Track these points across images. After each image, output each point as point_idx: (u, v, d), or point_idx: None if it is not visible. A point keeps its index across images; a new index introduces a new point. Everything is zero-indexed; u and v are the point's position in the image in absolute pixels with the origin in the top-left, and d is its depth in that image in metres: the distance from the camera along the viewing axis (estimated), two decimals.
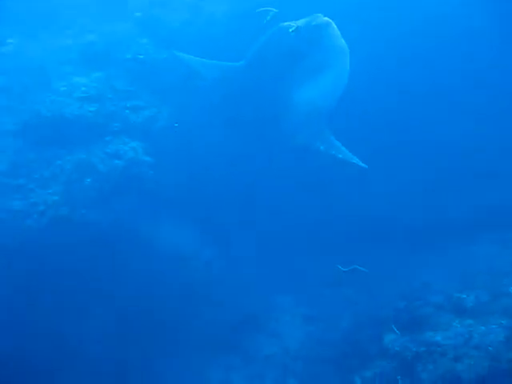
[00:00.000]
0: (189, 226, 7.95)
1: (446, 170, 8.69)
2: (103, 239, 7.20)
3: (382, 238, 8.42)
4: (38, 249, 6.91)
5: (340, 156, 7.32)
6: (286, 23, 7.56)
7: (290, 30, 7.38)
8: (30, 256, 6.87)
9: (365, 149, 7.43)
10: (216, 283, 8.16)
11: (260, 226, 8.16)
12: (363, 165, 7.23)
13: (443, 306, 6.86)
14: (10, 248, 6.84)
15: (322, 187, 8.15)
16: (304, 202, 8.23)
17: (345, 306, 8.30)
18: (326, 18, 7.37)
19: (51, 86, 8.40)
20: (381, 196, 8.36)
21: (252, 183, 7.95)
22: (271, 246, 8.25)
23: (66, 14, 9.84)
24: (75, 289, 7.08)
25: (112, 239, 7.29)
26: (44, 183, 7.36)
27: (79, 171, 7.44)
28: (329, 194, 8.26)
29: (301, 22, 7.49)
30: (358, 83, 7.54)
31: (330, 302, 8.48)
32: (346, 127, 7.59)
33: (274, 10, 7.45)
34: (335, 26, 7.35)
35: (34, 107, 8.06)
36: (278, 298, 8.80)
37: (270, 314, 8.49)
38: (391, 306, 7.35)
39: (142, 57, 8.64)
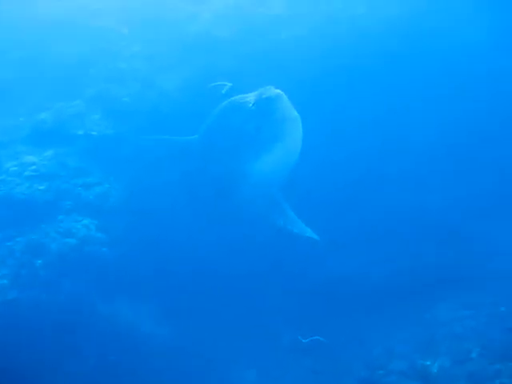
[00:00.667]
0: (144, 304, 7.71)
1: (406, 229, 8.68)
2: (53, 321, 6.94)
3: (343, 302, 8.29)
4: None
5: (295, 230, 7.38)
6: (237, 96, 7.66)
7: (250, 105, 7.44)
8: None
9: (322, 217, 7.50)
10: (174, 362, 7.86)
11: (218, 298, 7.97)
12: (316, 237, 7.35)
13: (407, 374, 6.71)
14: None
15: (279, 255, 8.06)
16: (263, 271, 8.11)
17: (308, 377, 8.05)
18: (278, 90, 7.46)
19: (2, 166, 8.27)
20: (339, 260, 8.30)
21: (208, 257, 7.81)
22: (229, 318, 8.05)
23: (19, 92, 9.85)
24: (24, 373, 6.73)
25: (63, 321, 7.03)
26: None
27: (30, 252, 7.22)
28: (287, 262, 8.16)
29: (252, 95, 7.58)
30: (313, 150, 7.66)
31: (293, 374, 8.22)
32: (303, 197, 7.66)
33: (229, 83, 7.52)
34: (286, 98, 7.44)
35: None
36: (241, 373, 8.50)
37: None
38: (354, 375, 7.16)
39: (94, 133, 8.59)
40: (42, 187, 7.83)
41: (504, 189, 8.74)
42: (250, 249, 7.81)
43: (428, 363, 6.72)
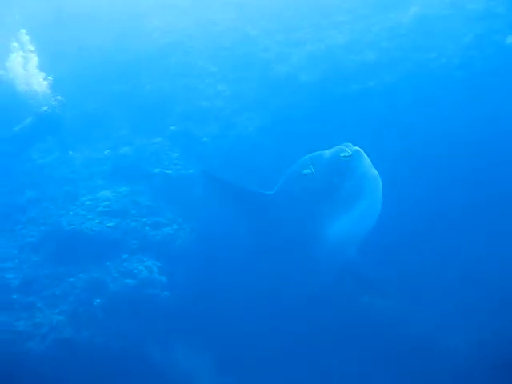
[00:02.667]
0: (202, 352, 7.42)
1: None
2: (106, 366, 6.78)
3: None
4: (36, 373, 6.55)
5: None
6: (315, 153, 7.31)
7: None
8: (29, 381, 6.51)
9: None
10: None
11: (281, 355, 7.53)
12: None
13: None
14: (9, 372, 6.51)
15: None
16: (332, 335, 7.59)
17: None
18: (356, 147, 7.08)
19: (78, 199, 8.39)
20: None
21: (277, 313, 7.41)
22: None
23: (109, 124, 10.07)
24: None
25: (117, 365, 6.85)
26: (53, 302, 7.16)
27: (89, 290, 7.18)
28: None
29: (330, 152, 7.22)
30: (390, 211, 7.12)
31: None
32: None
33: (313, 170, 7.12)
34: (365, 156, 7.04)
35: (56, 220, 8.01)
36: None
37: None
38: None
39: (169, 172, 8.53)
40: (111, 224, 7.81)
41: None
42: (320, 310, 7.34)
43: None
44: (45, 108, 9.35)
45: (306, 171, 6.89)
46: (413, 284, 7.44)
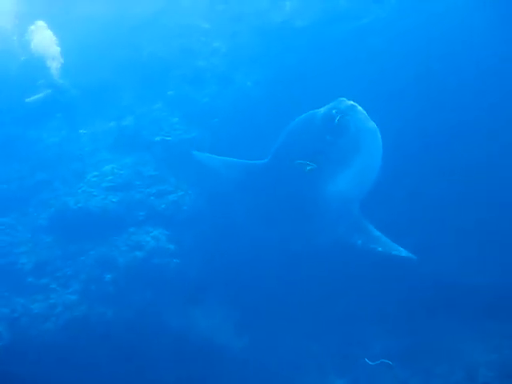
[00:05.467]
0: (217, 316, 7.46)
1: None
2: (123, 339, 6.89)
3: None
4: (54, 353, 6.74)
5: (380, 249, 6.71)
6: (308, 112, 7.04)
7: (336, 120, 6.81)
8: (47, 360, 6.70)
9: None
10: (255, 373, 7.54)
11: (294, 312, 7.50)
12: (407, 254, 6.64)
13: None
14: (29, 353, 6.71)
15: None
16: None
17: None
18: (351, 102, 6.79)
19: (85, 176, 8.40)
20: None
21: (287, 272, 7.35)
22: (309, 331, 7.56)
23: (113, 94, 10.00)
24: None
25: (134, 337, 6.96)
26: (65, 282, 7.29)
27: (100, 267, 7.26)
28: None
29: (324, 109, 6.95)
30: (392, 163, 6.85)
31: None
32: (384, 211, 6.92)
33: (314, 165, 6.82)
34: (361, 109, 6.78)
35: (64, 200, 8.05)
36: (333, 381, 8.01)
37: None
38: None
39: (169, 138, 8.42)
40: (115, 199, 7.80)
41: None
42: (329, 271, 7.22)
43: None
44: (59, 81, 9.33)
45: (308, 168, 6.64)
46: (420, 235, 7.21)
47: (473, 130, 7.66)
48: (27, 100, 9.48)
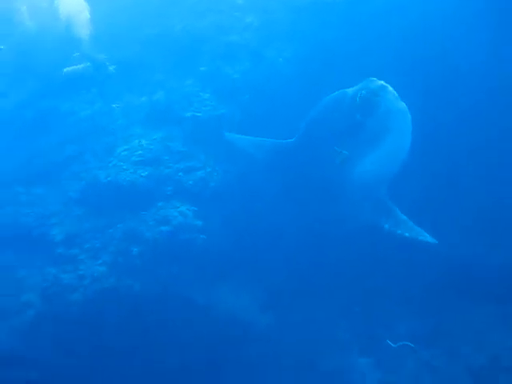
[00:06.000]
0: (243, 293, 7.52)
1: None
2: (149, 310, 7.02)
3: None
4: (82, 323, 6.90)
5: (407, 234, 6.64)
6: (337, 92, 6.97)
7: (357, 98, 6.73)
8: (76, 331, 6.87)
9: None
10: (279, 350, 7.62)
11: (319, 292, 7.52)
12: (433, 240, 6.60)
13: None
14: (58, 323, 6.89)
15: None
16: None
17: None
18: (381, 82, 6.72)
19: (116, 150, 8.48)
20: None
21: (310, 257, 7.36)
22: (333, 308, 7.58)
23: (145, 69, 10.03)
24: (124, 364, 6.95)
25: (159, 310, 7.08)
26: (94, 254, 7.41)
27: (127, 240, 7.36)
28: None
29: (354, 89, 6.88)
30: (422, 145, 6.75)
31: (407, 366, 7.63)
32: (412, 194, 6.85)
33: (346, 153, 6.75)
34: (391, 89, 6.70)
35: (95, 173, 8.17)
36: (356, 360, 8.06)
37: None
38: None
39: (199, 114, 8.43)
40: (145, 173, 7.88)
41: None
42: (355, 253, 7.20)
43: None
44: (95, 55, 9.43)
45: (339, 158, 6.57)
46: (447, 219, 7.12)
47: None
48: (65, 70, 9.57)
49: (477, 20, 7.91)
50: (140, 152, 8.18)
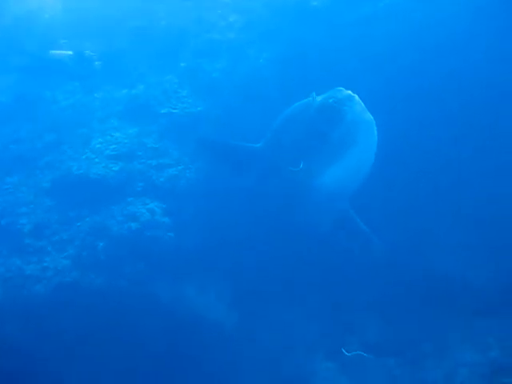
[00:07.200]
0: (208, 292, 7.51)
1: None
2: (112, 307, 7.00)
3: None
4: (42, 316, 6.89)
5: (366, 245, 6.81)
6: (304, 100, 6.95)
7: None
8: (34, 322, 6.86)
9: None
10: (243, 352, 7.62)
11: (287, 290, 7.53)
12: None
13: None
14: (17, 314, 6.88)
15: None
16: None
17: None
18: (349, 92, 6.66)
19: (91, 142, 8.45)
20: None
21: (276, 259, 7.36)
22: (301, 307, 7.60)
23: (128, 62, 10.00)
24: (81, 357, 6.94)
25: (122, 305, 7.08)
26: (61, 246, 7.37)
27: (94, 234, 7.35)
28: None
29: (322, 97, 6.83)
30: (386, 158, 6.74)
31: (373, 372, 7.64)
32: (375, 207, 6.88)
33: (301, 165, 6.72)
34: (358, 100, 6.64)
35: (68, 165, 8.14)
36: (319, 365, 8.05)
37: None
38: None
39: (176, 111, 8.41)
40: (116, 168, 7.85)
41: None
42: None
43: None
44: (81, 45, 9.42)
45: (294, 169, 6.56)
46: (411, 233, 7.13)
47: (475, 129, 7.47)
48: (52, 52, 9.53)
49: (460, 29, 7.95)
50: (114, 146, 8.17)
